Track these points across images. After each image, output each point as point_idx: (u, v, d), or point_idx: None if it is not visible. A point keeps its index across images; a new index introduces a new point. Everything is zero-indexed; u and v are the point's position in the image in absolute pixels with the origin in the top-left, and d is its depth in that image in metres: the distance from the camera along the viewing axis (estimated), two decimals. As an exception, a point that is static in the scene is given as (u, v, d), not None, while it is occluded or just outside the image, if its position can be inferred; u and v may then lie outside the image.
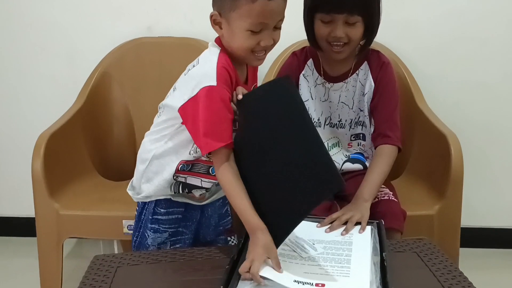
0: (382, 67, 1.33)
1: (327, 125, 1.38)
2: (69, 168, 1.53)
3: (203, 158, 1.09)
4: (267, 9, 1.01)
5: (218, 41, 1.08)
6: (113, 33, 1.77)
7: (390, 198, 1.25)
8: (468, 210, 1.42)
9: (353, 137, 1.38)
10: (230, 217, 1.25)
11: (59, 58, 1.83)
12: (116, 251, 1.71)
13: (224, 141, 0.99)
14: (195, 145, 1.06)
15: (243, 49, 1.03)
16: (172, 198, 1.14)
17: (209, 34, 1.68)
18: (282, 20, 1.05)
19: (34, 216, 1.41)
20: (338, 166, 1.36)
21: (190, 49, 1.63)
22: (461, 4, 1.75)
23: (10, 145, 1.91)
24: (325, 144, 1.35)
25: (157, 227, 1.15)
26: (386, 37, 1.66)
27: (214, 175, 1.08)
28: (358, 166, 1.37)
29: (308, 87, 1.37)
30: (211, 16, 1.05)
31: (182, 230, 1.17)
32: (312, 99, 1.36)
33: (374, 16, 1.25)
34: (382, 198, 1.25)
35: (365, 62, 1.35)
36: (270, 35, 1.04)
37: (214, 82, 1.00)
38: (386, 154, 1.28)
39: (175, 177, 1.11)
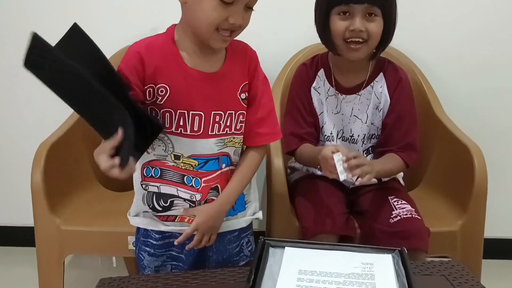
0: (400, 83, 1.27)
1: (339, 138, 1.32)
2: (71, 179, 1.46)
3: (170, 163, 1.03)
4: None
5: (171, 29, 1.03)
6: (116, 35, 1.69)
7: (414, 216, 1.19)
8: (489, 220, 1.34)
9: (365, 152, 1.33)
10: (243, 255, 1.13)
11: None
12: (114, 264, 1.65)
13: None
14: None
15: (208, 22, 0.94)
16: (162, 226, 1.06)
17: None
18: (255, 0, 0.96)
19: (33, 226, 1.33)
20: (351, 181, 1.30)
21: None
22: (477, 8, 1.68)
23: (10, 153, 1.84)
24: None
25: (152, 251, 1.08)
26: (402, 42, 1.58)
27: (192, 186, 1.04)
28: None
29: (320, 99, 1.31)
30: None
31: (179, 256, 1.09)
32: (325, 111, 1.30)
33: (393, 11, 1.19)
34: (404, 216, 1.18)
35: (381, 73, 1.28)
36: (241, 13, 0.95)
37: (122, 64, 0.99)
38: (395, 158, 1.25)
39: (144, 186, 1.04)
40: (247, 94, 1.06)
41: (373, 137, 1.31)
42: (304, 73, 1.32)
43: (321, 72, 1.31)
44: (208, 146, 1.04)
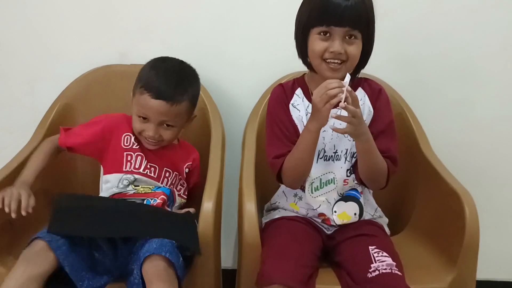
0: (380, 93, 1.27)
1: (320, 158, 1.23)
2: (22, 225, 1.26)
3: (131, 192, 1.27)
4: (148, 105, 1.22)
5: None
6: (80, 59, 1.56)
7: (393, 271, 1.07)
8: (480, 260, 1.22)
9: (349, 172, 1.23)
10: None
11: (18, 86, 1.60)
12: None
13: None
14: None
15: (134, 129, 1.28)
16: None
17: (188, 59, 1.52)
18: (171, 121, 1.24)
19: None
20: (329, 206, 1.23)
21: None
22: (463, 40, 1.57)
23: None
24: (318, 180, 1.22)
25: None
26: (387, 74, 1.51)
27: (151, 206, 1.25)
28: (352, 206, 1.23)
29: (300, 116, 1.24)
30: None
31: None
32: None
33: (372, 35, 1.19)
34: (383, 271, 1.07)
35: (360, 88, 1.27)
36: (155, 128, 1.24)
37: None
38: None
39: None
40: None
41: (354, 155, 1.23)
42: (280, 91, 1.28)
43: (299, 91, 1.27)
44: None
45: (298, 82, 1.29)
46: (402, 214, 1.43)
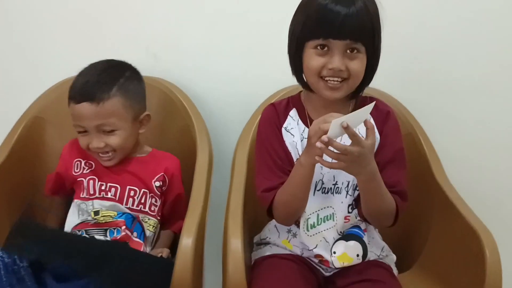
0: (388, 116, 1.10)
1: (318, 190, 1.07)
2: None
3: (92, 222, 1.14)
4: (75, 113, 1.12)
5: None
6: (56, 67, 1.41)
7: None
8: None
9: (351, 208, 1.07)
10: None
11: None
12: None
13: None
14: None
15: (82, 147, 1.17)
16: None
17: (175, 72, 1.37)
18: (108, 123, 1.11)
19: None
20: (327, 246, 1.06)
21: (150, 91, 1.28)
22: (481, 54, 1.41)
23: None
24: (315, 216, 1.06)
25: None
26: (393, 87, 1.36)
27: (114, 238, 1.12)
28: (354, 246, 1.07)
29: (294, 142, 1.07)
30: None
31: None
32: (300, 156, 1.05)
33: (377, 47, 1.03)
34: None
35: None
36: (98, 137, 1.12)
37: None
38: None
39: None
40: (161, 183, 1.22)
41: (357, 188, 1.06)
42: (272, 113, 1.12)
43: (294, 112, 1.11)
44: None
45: (293, 101, 1.13)
46: (411, 250, 1.27)
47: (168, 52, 1.43)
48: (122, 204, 1.16)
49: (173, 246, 1.18)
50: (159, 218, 1.22)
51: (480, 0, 1.38)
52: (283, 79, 1.25)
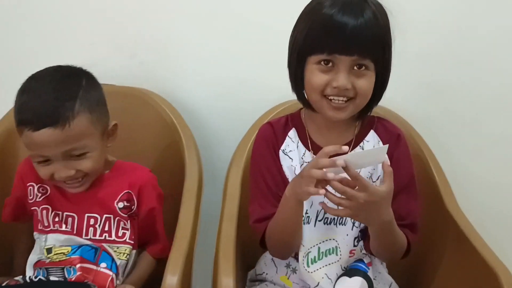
0: (399, 140, 1.00)
1: (319, 221, 0.98)
2: None
3: (46, 261, 0.99)
4: (34, 142, 0.93)
5: None
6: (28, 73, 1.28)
7: None
8: None
9: (357, 240, 0.97)
10: None
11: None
12: None
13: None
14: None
15: (43, 177, 0.99)
16: None
17: (162, 82, 1.25)
18: (78, 147, 0.94)
19: None
20: (330, 284, 0.95)
21: (134, 103, 1.18)
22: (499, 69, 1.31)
23: None
24: (316, 249, 0.95)
25: None
26: (397, 103, 1.24)
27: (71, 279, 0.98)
28: (358, 282, 0.95)
29: (292, 166, 0.97)
30: None
31: None
32: None
33: (388, 63, 0.93)
34: None
35: (371, 131, 1.01)
36: (67, 165, 0.95)
37: None
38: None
39: None
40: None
41: None
42: (269, 132, 1.02)
43: (293, 132, 1.01)
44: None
45: (293, 120, 1.03)
46: (421, 285, 1.16)
47: (155, 59, 1.31)
48: (81, 236, 1.01)
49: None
50: (133, 242, 1.05)
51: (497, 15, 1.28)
52: (286, 91, 1.13)
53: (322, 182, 0.83)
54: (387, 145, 0.84)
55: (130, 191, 1.04)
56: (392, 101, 1.16)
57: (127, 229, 1.04)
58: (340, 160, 0.80)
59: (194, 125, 1.26)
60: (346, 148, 0.82)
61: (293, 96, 1.12)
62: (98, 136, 0.98)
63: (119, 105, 1.22)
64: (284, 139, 1.01)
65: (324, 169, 0.81)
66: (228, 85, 1.32)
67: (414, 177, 1.00)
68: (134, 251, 1.06)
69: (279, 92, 1.20)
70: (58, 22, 1.29)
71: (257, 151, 1.02)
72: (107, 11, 1.28)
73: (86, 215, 1.02)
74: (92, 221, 1.02)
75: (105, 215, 1.02)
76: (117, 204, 1.03)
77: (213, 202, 1.15)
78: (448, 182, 1.18)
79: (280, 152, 1.00)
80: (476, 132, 1.36)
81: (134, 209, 1.05)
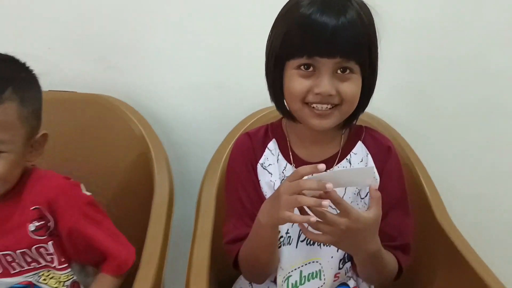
0: (389, 153, 0.92)
1: (302, 241, 0.89)
2: None
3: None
4: None
5: None
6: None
7: None
8: None
9: (342, 262, 0.89)
10: None
11: None
12: None
13: None
14: None
15: None
16: None
17: (130, 88, 1.16)
18: None
19: None
20: None
21: (99, 111, 1.10)
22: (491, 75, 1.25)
23: None
24: (298, 273, 0.89)
25: None
26: (381, 106, 1.15)
27: None
28: None
29: (271, 182, 0.89)
30: None
31: None
32: None
33: (375, 64, 0.86)
34: None
35: (359, 142, 0.93)
36: None
37: None
38: (389, 253, 0.87)
39: None
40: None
41: None
42: (246, 145, 0.94)
43: (273, 144, 0.93)
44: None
45: (273, 130, 0.95)
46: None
47: (121, 64, 1.21)
48: (8, 274, 0.89)
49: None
50: (66, 264, 0.92)
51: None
52: (265, 96, 1.06)
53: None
54: (373, 167, 0.76)
55: (39, 207, 0.87)
56: (376, 106, 1.07)
57: (50, 252, 0.90)
58: (328, 184, 0.72)
59: (164, 135, 1.18)
60: (323, 166, 0.73)
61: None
62: (21, 137, 0.84)
63: (80, 114, 1.15)
64: (263, 151, 0.92)
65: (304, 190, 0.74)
66: (202, 92, 1.23)
67: (406, 192, 0.92)
68: (71, 275, 0.93)
69: (257, 98, 1.11)
70: (10, 26, 1.18)
71: (232, 166, 0.94)
72: (67, 11, 1.17)
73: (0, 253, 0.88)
74: (9, 258, 0.88)
75: (18, 251, 0.88)
76: (29, 228, 0.87)
77: (186, 219, 1.07)
78: (438, 192, 1.10)
79: (258, 166, 0.91)
80: (464, 138, 1.30)
81: (52, 226, 0.89)
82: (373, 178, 0.77)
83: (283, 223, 0.80)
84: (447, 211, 1.08)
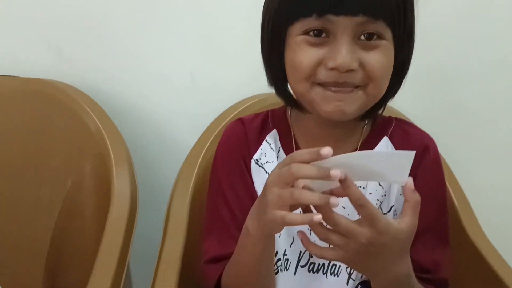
0: (427, 153, 0.73)
1: (302, 267, 0.72)
2: None
3: None
4: None
5: None
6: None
7: None
8: None
9: None
10: None
11: None
12: None
13: None
14: None
15: None
16: None
17: (87, 75, 0.98)
18: None
19: None
20: None
21: (48, 102, 0.95)
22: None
23: None
24: None
25: None
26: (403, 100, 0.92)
27: None
28: None
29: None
30: None
31: None
32: None
33: (412, 32, 0.67)
34: None
35: (385, 137, 0.75)
36: None
37: None
38: None
39: None
40: None
41: None
42: (238, 134, 0.77)
43: (272, 136, 0.76)
44: None
45: (275, 118, 0.77)
46: None
47: (78, 46, 1.04)
48: None
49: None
50: None
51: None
52: (246, 88, 0.94)
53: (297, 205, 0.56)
54: (413, 152, 0.54)
55: None
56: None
57: None
58: (335, 170, 0.51)
59: (128, 131, 1.00)
60: (328, 151, 0.52)
61: (262, 91, 0.87)
62: None
63: (21, 103, 0.99)
64: (260, 144, 0.76)
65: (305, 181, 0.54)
66: (175, 83, 1.07)
67: (446, 211, 0.73)
68: None
69: (238, 91, 1.01)
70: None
71: (219, 162, 0.76)
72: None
73: None
74: None
75: None
76: None
77: (155, 238, 0.87)
78: (470, 203, 0.92)
79: (252, 163, 0.75)
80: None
81: None
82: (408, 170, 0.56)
83: (275, 231, 0.61)
84: (480, 227, 0.90)
